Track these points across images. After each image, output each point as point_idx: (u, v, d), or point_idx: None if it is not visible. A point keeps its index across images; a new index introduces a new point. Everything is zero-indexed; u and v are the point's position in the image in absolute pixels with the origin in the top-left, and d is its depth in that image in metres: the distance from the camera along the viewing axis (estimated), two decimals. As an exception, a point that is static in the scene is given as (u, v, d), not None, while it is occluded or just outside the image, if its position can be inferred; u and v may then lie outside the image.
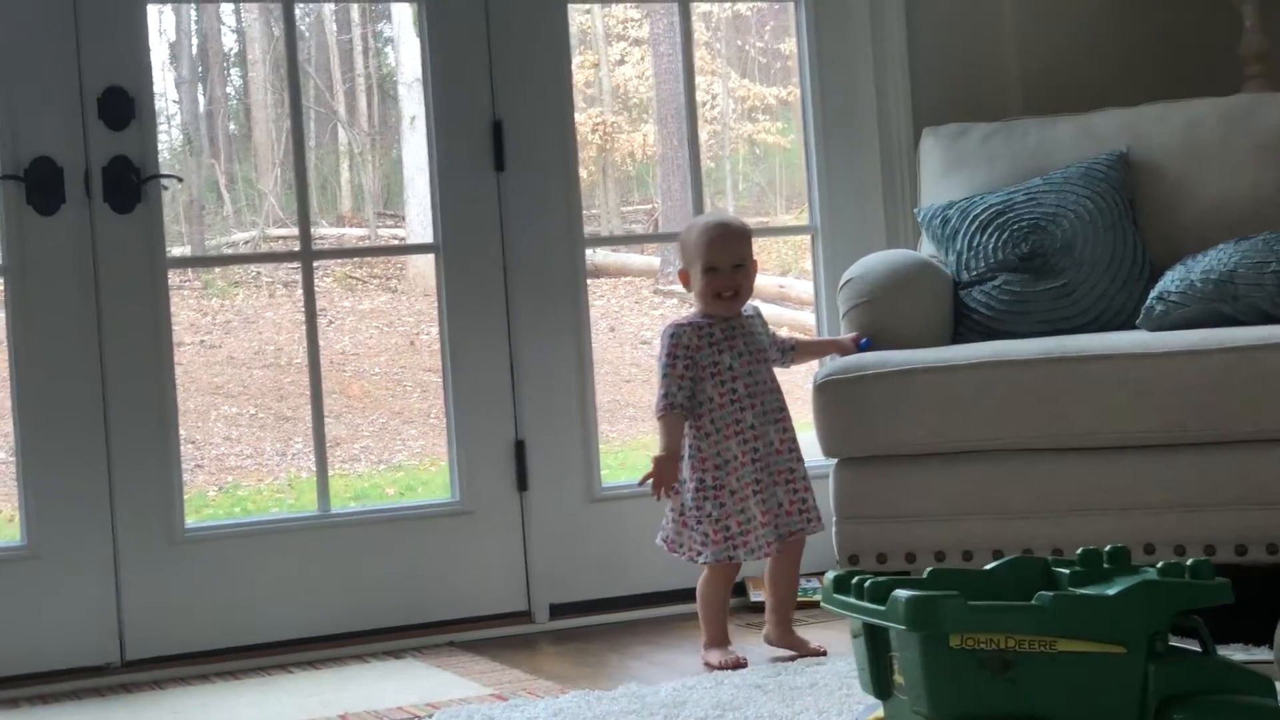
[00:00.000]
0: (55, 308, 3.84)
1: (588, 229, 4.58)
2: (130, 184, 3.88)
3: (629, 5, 9.49)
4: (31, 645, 3.79)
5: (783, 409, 3.65)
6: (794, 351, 3.78)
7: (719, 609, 3.63)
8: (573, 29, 4.39)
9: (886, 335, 3.81)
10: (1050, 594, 2.24)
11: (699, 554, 3.57)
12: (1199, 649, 2.31)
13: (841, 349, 3.79)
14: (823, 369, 3.72)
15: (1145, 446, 3.47)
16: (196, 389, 8.16)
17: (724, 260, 3.62)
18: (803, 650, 3.60)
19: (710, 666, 3.55)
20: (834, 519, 3.64)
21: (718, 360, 3.60)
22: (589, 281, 4.35)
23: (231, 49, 9.53)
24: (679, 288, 9.54)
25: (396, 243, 9.72)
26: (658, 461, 3.56)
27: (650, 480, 3.56)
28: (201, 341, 8.56)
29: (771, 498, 3.58)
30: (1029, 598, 2.26)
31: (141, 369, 3.91)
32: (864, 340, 3.82)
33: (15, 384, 3.82)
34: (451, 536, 4.13)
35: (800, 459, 3.64)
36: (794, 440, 3.64)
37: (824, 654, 3.56)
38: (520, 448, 4.19)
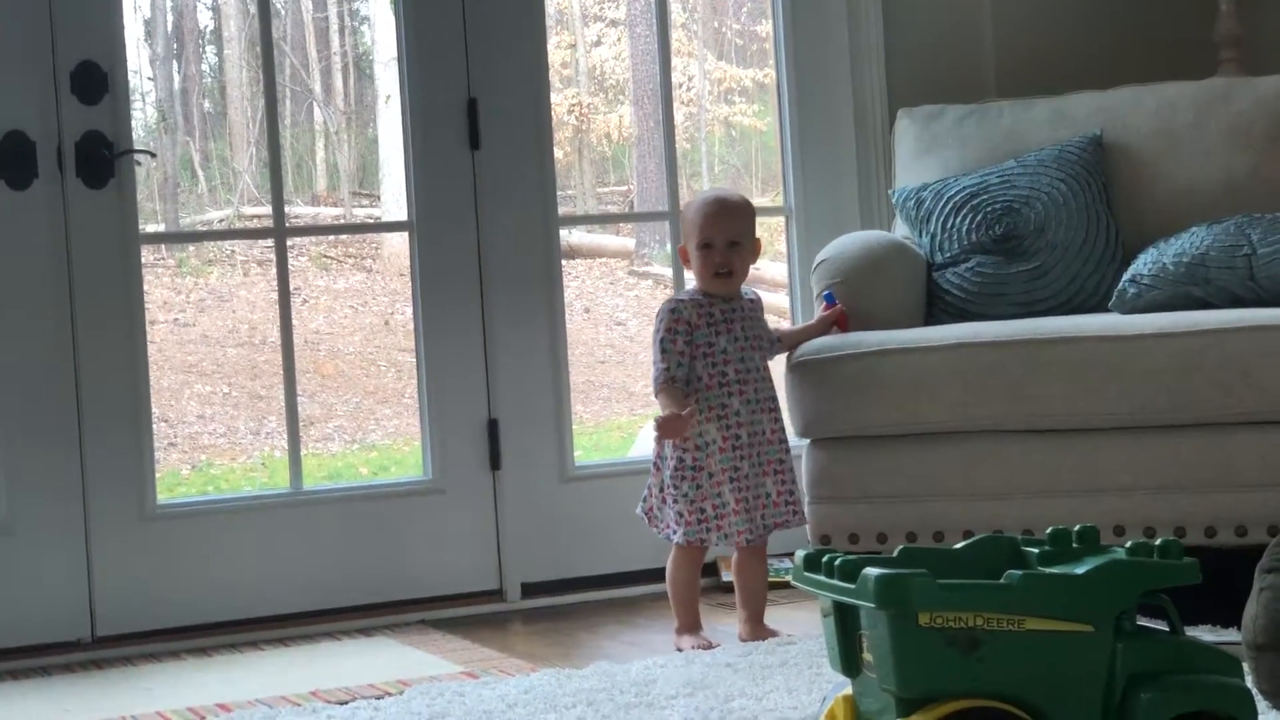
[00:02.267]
0: (27, 282, 3.83)
1: (563, 210, 4.58)
2: (103, 159, 3.86)
3: (606, -14, 9.48)
4: (1, 620, 3.78)
5: (774, 398, 3.61)
6: (779, 343, 3.72)
7: (689, 593, 3.61)
8: (549, 9, 4.38)
9: (859, 316, 3.81)
10: (1019, 573, 2.25)
11: (673, 531, 3.56)
12: (1167, 629, 2.32)
13: (820, 333, 3.77)
14: (798, 349, 3.72)
15: (1116, 429, 3.48)
16: (170, 367, 8.14)
17: (718, 236, 3.56)
18: None
19: (682, 652, 3.53)
20: (806, 499, 3.65)
21: (713, 342, 3.56)
22: (564, 262, 4.35)
23: (207, 26, 9.49)
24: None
25: (371, 221, 9.69)
26: (661, 420, 3.46)
27: (659, 435, 3.50)
28: (175, 320, 8.54)
29: (759, 487, 3.55)
30: (999, 577, 2.26)
31: (114, 344, 3.90)
32: (826, 293, 3.82)
33: (-14, 359, 3.82)
34: (424, 515, 4.13)
35: (789, 450, 3.60)
36: (784, 430, 3.61)
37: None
38: (493, 427, 4.18)
